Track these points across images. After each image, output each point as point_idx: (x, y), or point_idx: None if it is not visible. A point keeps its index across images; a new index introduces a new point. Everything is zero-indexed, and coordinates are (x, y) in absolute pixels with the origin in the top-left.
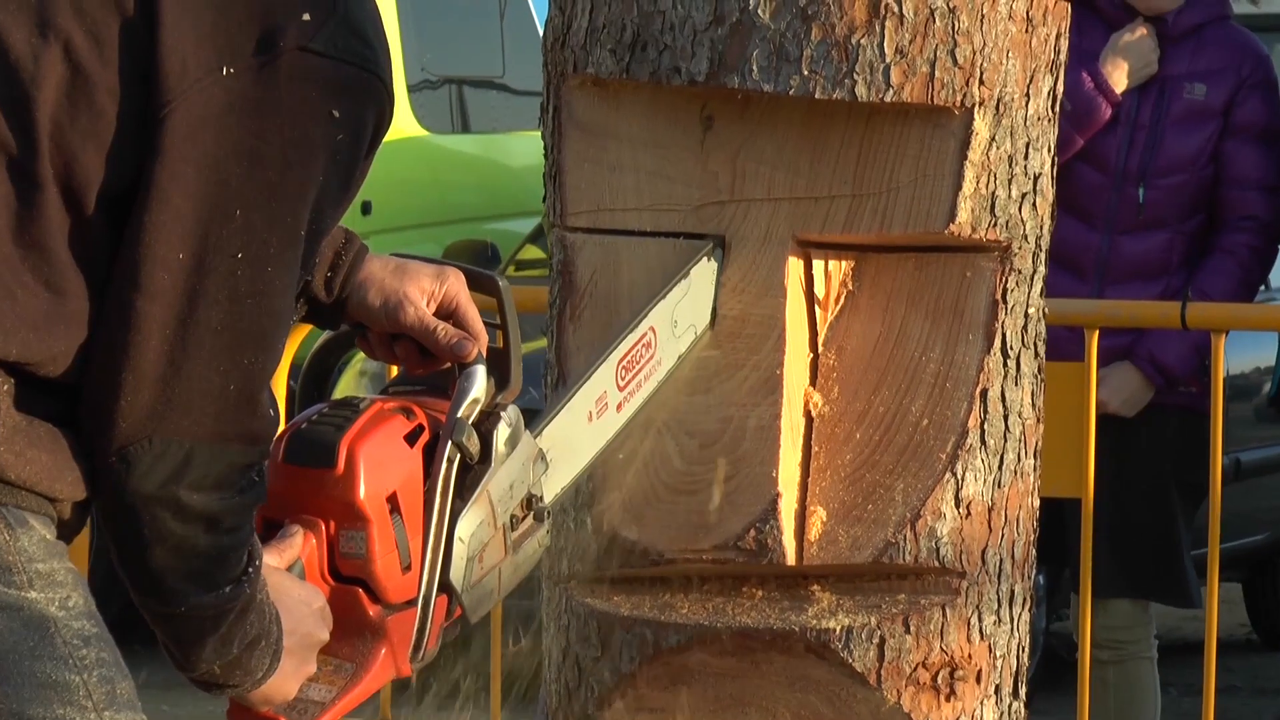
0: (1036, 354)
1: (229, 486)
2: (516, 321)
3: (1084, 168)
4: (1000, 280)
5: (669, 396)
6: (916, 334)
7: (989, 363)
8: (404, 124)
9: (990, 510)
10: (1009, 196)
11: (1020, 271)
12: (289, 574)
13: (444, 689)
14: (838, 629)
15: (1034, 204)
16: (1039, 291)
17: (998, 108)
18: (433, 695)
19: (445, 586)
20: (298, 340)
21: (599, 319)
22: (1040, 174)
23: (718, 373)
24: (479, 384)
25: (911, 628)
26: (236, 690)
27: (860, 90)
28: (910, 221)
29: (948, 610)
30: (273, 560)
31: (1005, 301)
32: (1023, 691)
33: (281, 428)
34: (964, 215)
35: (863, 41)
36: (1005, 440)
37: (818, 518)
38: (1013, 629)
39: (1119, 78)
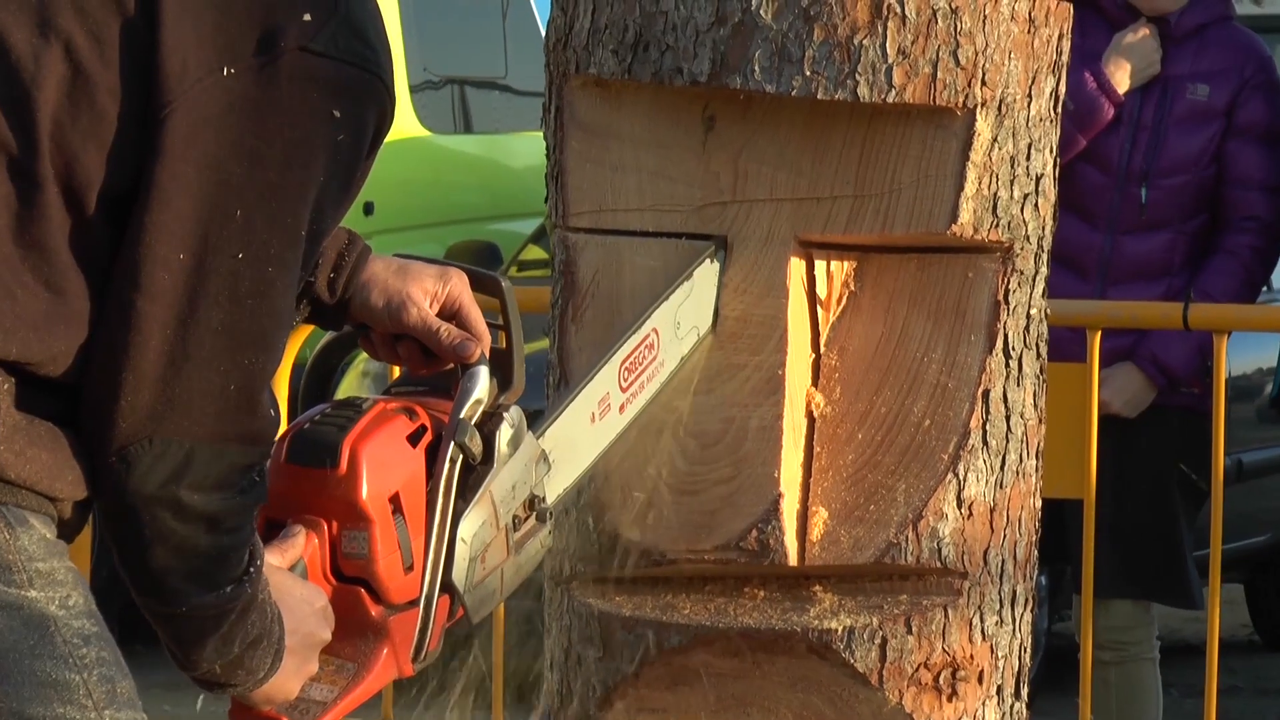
0: (1038, 355)
1: (229, 487)
2: (519, 322)
3: (1086, 168)
4: (1002, 281)
5: (671, 397)
6: (918, 335)
7: (991, 363)
8: (406, 124)
9: (992, 511)
10: (1011, 197)
11: (1022, 272)
12: (291, 574)
13: (446, 689)
14: (839, 629)
15: (1036, 205)
16: (1041, 292)
17: (1000, 108)
18: (435, 696)
19: (447, 587)
20: (300, 341)
21: (601, 319)
22: (1042, 175)
23: (720, 373)
24: (482, 384)
25: (913, 628)
26: (238, 689)
27: (862, 91)
28: (912, 222)
29: (950, 611)
30: (275, 560)
31: (1007, 302)
32: (1024, 692)
33: (284, 428)
34: (966, 216)
35: (865, 42)
36: (1007, 441)
37: (820, 518)
38: (1015, 629)
39: (1122, 78)
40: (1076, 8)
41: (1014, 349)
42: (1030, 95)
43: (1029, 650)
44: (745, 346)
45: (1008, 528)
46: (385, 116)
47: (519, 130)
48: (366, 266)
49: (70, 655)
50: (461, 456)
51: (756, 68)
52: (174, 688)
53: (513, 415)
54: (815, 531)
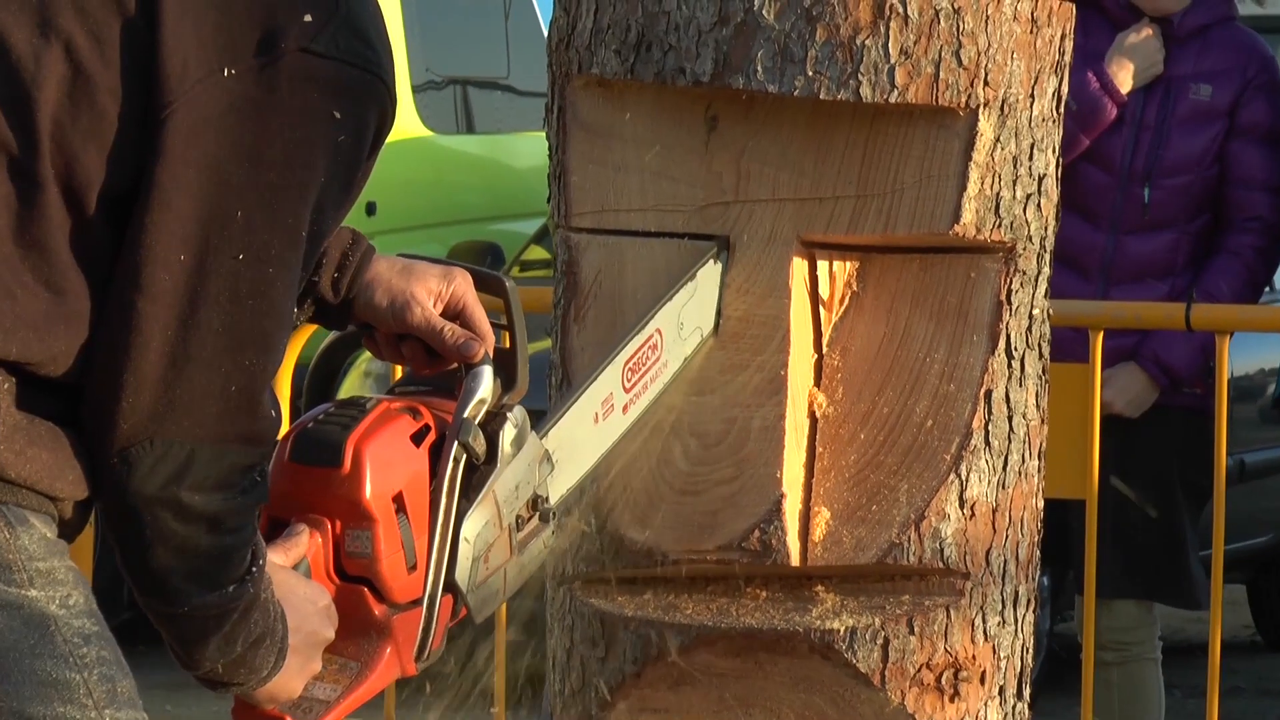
0: (1041, 355)
1: (231, 487)
2: (523, 322)
3: (1089, 168)
4: (1005, 281)
5: (673, 397)
6: (921, 335)
7: (993, 364)
8: (409, 125)
9: (994, 511)
10: (1014, 197)
11: (1025, 272)
12: (294, 573)
13: (449, 689)
14: (842, 630)
15: (1038, 205)
16: (1043, 292)
17: (1002, 109)
18: (437, 696)
19: (451, 586)
20: (303, 340)
21: (603, 319)
22: (1045, 175)
23: (722, 373)
24: (485, 384)
25: (916, 629)
26: (241, 688)
27: (865, 91)
28: (915, 222)
29: (952, 611)
30: (278, 559)
31: (1010, 302)
32: (1027, 693)
33: (286, 428)
34: (968, 216)
35: (867, 42)
36: (1009, 441)
37: (822, 518)
38: (1017, 630)
39: (1124, 78)
40: (1079, 8)
41: (1016, 349)
42: (1033, 95)
43: (1031, 651)
44: (748, 347)
45: (1010, 528)
46: (386, 117)
47: (521, 130)
48: (371, 266)
49: (71, 654)
50: (465, 456)
51: (759, 68)
52: (177, 687)
53: (516, 415)
54: (817, 532)
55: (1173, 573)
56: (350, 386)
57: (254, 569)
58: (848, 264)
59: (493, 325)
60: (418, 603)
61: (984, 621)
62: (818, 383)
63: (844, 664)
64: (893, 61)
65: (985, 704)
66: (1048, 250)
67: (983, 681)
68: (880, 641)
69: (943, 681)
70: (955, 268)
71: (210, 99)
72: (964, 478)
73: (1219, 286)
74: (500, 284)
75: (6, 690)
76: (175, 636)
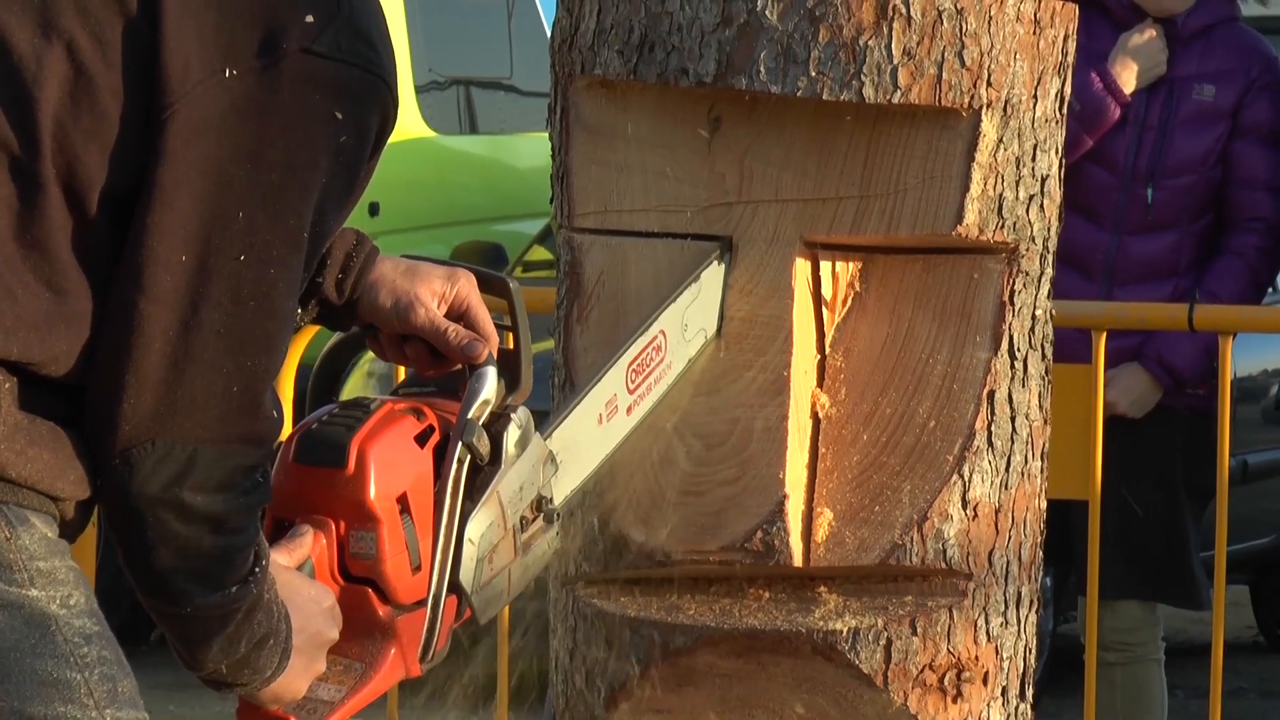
0: (1044, 356)
1: (233, 488)
2: (527, 323)
3: (1092, 168)
4: (1007, 282)
5: (676, 398)
6: (924, 335)
7: (996, 364)
8: (411, 125)
9: (997, 512)
10: (1016, 198)
11: (1028, 273)
12: (299, 573)
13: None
14: (844, 630)
15: (1041, 206)
16: (1046, 293)
17: (1005, 109)
18: (439, 696)
19: (455, 587)
20: (306, 341)
21: (606, 320)
22: (1048, 176)
23: (725, 374)
24: (489, 385)
25: (918, 629)
26: (246, 689)
27: (868, 92)
28: (918, 223)
29: (955, 612)
30: (283, 559)
31: (1012, 303)
32: (1030, 693)
33: (290, 428)
34: (971, 217)
35: (870, 43)
36: (1012, 442)
37: (825, 519)
38: (1020, 631)
39: (1128, 78)
40: (1082, 8)
41: (1019, 350)
42: (1036, 96)
43: (1034, 651)
44: (751, 347)
45: (1013, 529)
46: (388, 118)
47: (524, 131)
48: (375, 267)
49: (71, 654)
50: (469, 457)
51: (762, 68)
52: (179, 688)
53: (520, 416)
54: (820, 532)
55: (1176, 573)
56: (353, 387)
57: (257, 569)
58: (851, 265)
59: (497, 326)
60: (422, 603)
61: (987, 622)
62: (821, 383)
63: (847, 665)
64: (896, 62)
65: (988, 705)
66: (1050, 251)
67: (985, 682)
68: (883, 642)
69: (945, 682)
70: (958, 268)
71: (212, 100)
72: (967, 478)
73: (1222, 287)
74: (504, 285)
75: (7, 690)
76: (179, 637)
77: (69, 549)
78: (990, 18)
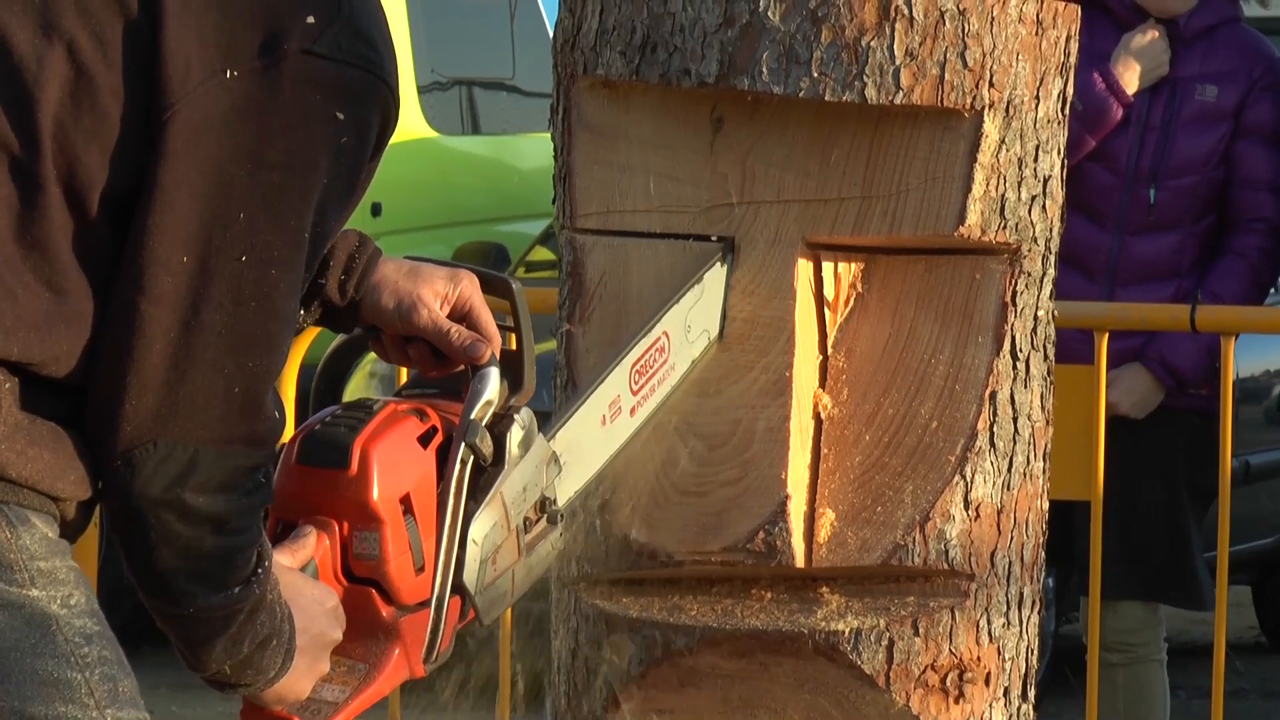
0: (1046, 356)
1: (235, 489)
2: (530, 324)
3: (1095, 168)
4: (1010, 283)
5: (678, 398)
6: (926, 336)
7: (998, 365)
8: (414, 125)
9: (999, 513)
10: (1019, 199)
11: (1030, 274)
12: (302, 574)
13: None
14: (846, 631)
15: (1044, 206)
16: (1048, 294)
17: (1007, 110)
18: (441, 696)
19: (459, 588)
20: (308, 342)
21: (608, 321)
22: (1050, 176)
23: (727, 375)
24: (492, 386)
25: (920, 630)
26: (249, 689)
27: (870, 92)
28: (920, 224)
29: (956, 612)
30: (286, 560)
31: (1015, 304)
32: (1032, 694)
33: (292, 430)
34: (973, 218)
35: (872, 44)
36: (1014, 443)
37: (827, 520)
38: (1022, 631)
39: (1130, 79)
40: (1085, 9)
41: (1021, 351)
42: (1038, 97)
43: (1036, 652)
44: (753, 348)
45: (1015, 530)
46: (389, 118)
47: (526, 131)
48: (377, 268)
49: (72, 654)
50: (472, 458)
51: (764, 69)
52: (182, 688)
53: (523, 417)
54: (822, 533)
55: (1178, 574)
56: (355, 389)
57: (260, 570)
58: (853, 265)
59: (499, 327)
60: (426, 604)
61: (989, 623)
62: (823, 384)
63: (849, 665)
64: (898, 63)
65: (990, 705)
66: (1053, 251)
67: (987, 683)
68: (885, 643)
69: (947, 683)
70: (960, 269)
71: (212, 100)
72: (969, 479)
73: (1224, 288)
74: (506, 285)
75: (7, 690)
76: (182, 638)
77: (70, 549)
78: (992, 18)
